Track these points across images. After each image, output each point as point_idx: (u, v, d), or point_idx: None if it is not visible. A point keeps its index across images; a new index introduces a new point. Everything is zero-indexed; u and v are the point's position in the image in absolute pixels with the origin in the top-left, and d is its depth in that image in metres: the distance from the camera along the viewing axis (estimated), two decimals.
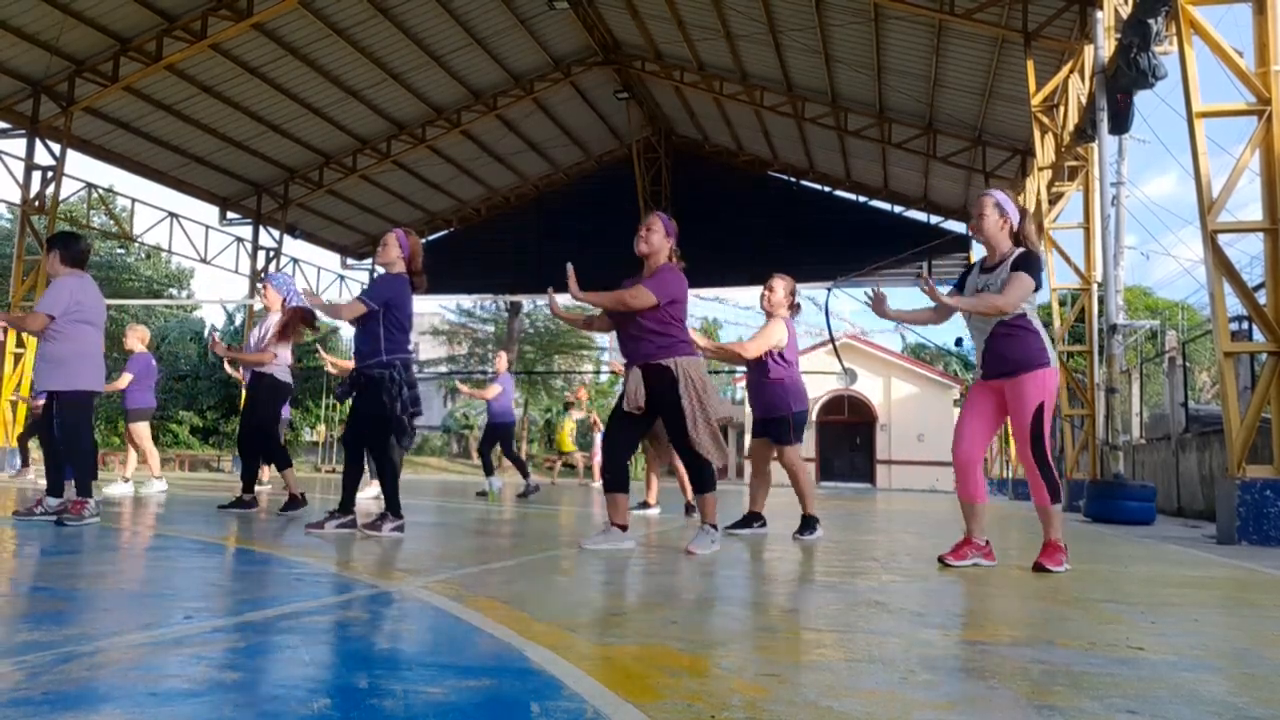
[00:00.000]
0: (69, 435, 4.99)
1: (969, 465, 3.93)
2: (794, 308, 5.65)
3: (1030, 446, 3.76)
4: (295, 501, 6.26)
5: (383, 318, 4.73)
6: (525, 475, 10.33)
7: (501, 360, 10.86)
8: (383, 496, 4.89)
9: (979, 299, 3.79)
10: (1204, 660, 2.08)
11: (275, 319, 6.39)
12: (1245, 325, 9.87)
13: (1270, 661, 2.09)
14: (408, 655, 1.89)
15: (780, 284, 5.61)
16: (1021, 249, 3.85)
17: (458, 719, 1.45)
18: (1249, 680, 1.90)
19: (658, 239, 4.29)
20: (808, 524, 5.35)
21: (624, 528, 4.33)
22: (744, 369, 5.65)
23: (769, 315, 5.60)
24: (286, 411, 10.05)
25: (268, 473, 10.24)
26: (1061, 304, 14.42)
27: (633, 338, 4.26)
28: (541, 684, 1.68)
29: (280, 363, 6.42)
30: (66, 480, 5.20)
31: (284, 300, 6.51)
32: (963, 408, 4.04)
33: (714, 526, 4.29)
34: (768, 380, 5.43)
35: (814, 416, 31.60)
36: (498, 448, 10.70)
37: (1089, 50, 11.08)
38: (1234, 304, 6.87)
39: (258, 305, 6.71)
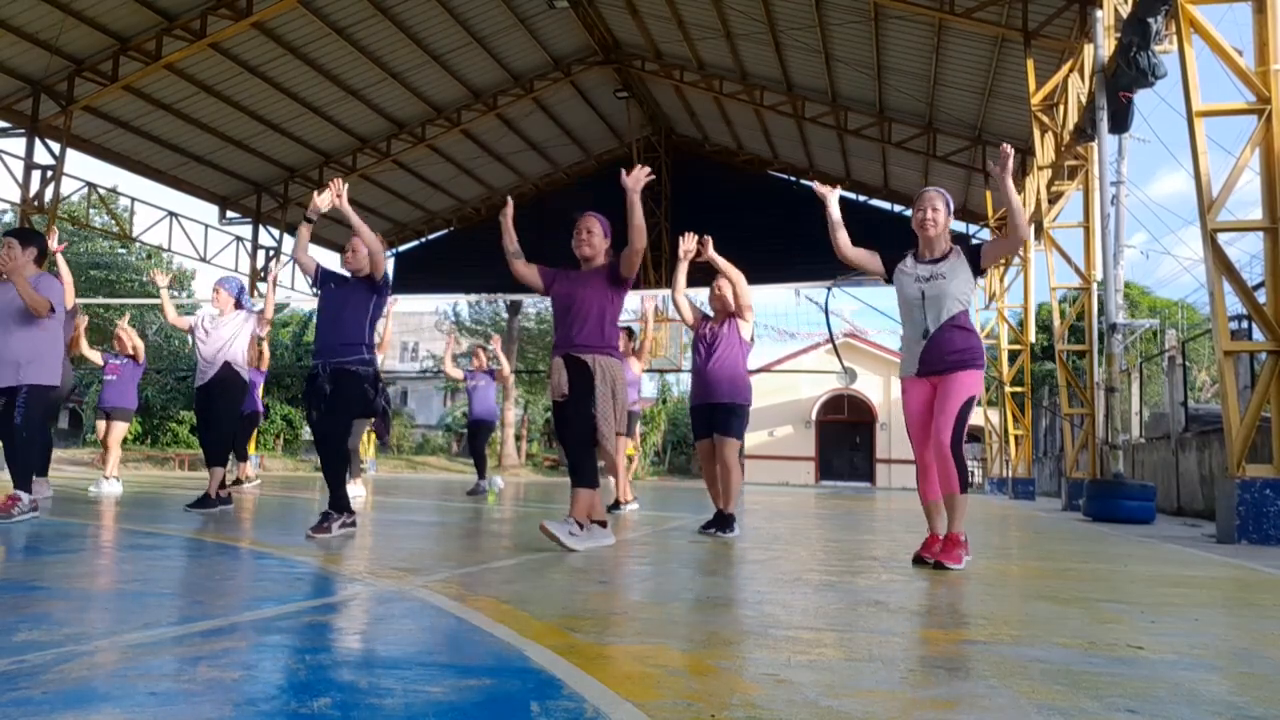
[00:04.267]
0: (37, 428, 5.07)
1: (933, 465, 4.00)
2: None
3: (953, 436, 3.86)
4: (207, 500, 6.19)
5: (371, 310, 4.75)
6: (482, 474, 10.51)
7: (482, 356, 10.74)
8: (330, 494, 4.65)
9: (1021, 212, 4.10)
10: (1204, 660, 2.08)
11: (237, 318, 6.45)
12: (1245, 324, 9.88)
13: (1270, 661, 2.09)
14: (408, 654, 1.89)
15: (728, 285, 5.65)
16: (957, 243, 4.17)
17: (458, 719, 1.45)
18: (1249, 680, 1.90)
19: (599, 241, 4.40)
20: (725, 522, 5.35)
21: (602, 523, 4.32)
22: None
23: (725, 313, 5.63)
24: (259, 403, 10.01)
25: (248, 469, 10.23)
26: (1061, 303, 14.43)
27: (590, 319, 4.24)
28: (541, 684, 1.68)
29: (238, 360, 6.42)
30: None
31: (236, 302, 6.55)
32: (911, 408, 4.06)
33: (579, 523, 4.19)
34: (741, 364, 5.56)
35: (814, 415, 31.65)
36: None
37: (1089, 49, 11.08)
38: (1234, 303, 6.88)
39: (213, 309, 6.71)
